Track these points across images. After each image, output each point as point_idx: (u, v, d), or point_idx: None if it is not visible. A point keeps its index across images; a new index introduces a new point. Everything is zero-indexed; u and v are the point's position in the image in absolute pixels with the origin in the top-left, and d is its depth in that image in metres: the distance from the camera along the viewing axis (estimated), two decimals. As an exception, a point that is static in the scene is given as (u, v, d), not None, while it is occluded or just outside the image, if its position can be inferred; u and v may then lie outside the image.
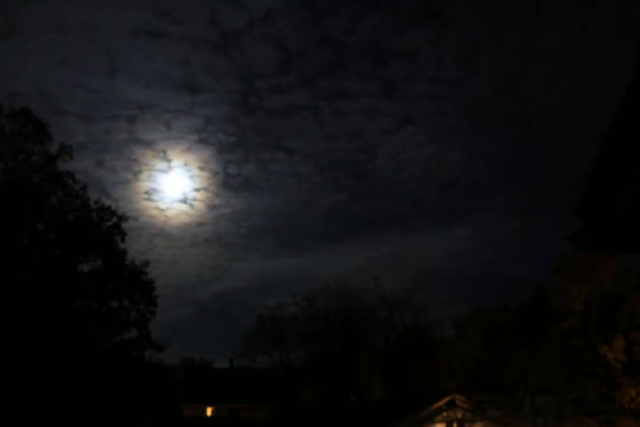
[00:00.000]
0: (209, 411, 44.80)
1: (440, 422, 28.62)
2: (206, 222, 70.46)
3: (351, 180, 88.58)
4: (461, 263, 79.00)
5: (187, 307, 78.64)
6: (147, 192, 67.45)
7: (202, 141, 71.83)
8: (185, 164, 66.33)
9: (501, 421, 27.58)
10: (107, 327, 26.99)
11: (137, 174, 68.87)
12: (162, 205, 73.79)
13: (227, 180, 72.20)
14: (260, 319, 53.11)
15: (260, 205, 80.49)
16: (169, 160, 68.08)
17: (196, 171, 68.44)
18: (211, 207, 70.30)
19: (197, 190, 70.59)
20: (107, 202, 28.40)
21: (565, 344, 25.01)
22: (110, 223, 27.62)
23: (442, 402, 28.54)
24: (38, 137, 25.93)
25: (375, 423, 29.79)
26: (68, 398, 22.71)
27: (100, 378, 24.10)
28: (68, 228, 26.20)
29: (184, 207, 70.71)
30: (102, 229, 27.43)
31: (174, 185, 68.29)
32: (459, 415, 28.47)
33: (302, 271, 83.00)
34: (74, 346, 23.83)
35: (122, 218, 28.00)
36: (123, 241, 27.96)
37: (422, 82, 75.82)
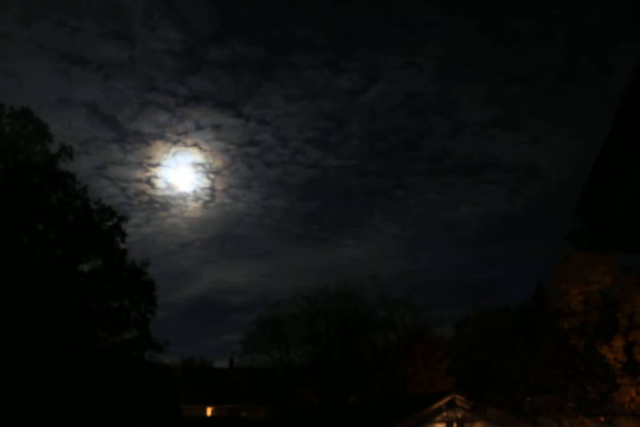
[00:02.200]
0: (209, 411, 44.78)
1: (440, 422, 28.57)
2: (169, 202, 63.53)
3: (320, 153, 75.97)
4: (460, 262, 77.32)
5: (176, 306, 72.75)
6: (99, 168, 58.59)
7: (150, 103, 62.62)
8: (137, 133, 59.74)
9: (501, 421, 27.58)
10: (107, 327, 26.99)
11: (84, 144, 60.03)
12: (119, 183, 64.77)
13: (183, 151, 63.65)
14: (261, 319, 53.13)
15: (223, 180, 71.85)
16: (118, 129, 60.11)
17: (150, 140, 61.83)
18: (171, 186, 62.71)
19: (153, 165, 62.73)
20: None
21: (565, 344, 25.01)
22: (110, 223, 27.63)
23: (442, 402, 28.49)
24: (38, 137, 25.93)
25: (375, 423, 29.77)
26: (68, 398, 22.71)
27: (101, 378, 24.10)
28: (68, 228, 26.19)
29: (143, 185, 63.22)
30: (102, 230, 27.43)
31: (128, 159, 61.75)
32: (459, 415, 28.43)
33: (292, 262, 75.78)
34: (74, 346, 23.83)
35: (123, 218, 28.02)
36: (123, 241, 27.98)
37: (388, 28, 63.76)
